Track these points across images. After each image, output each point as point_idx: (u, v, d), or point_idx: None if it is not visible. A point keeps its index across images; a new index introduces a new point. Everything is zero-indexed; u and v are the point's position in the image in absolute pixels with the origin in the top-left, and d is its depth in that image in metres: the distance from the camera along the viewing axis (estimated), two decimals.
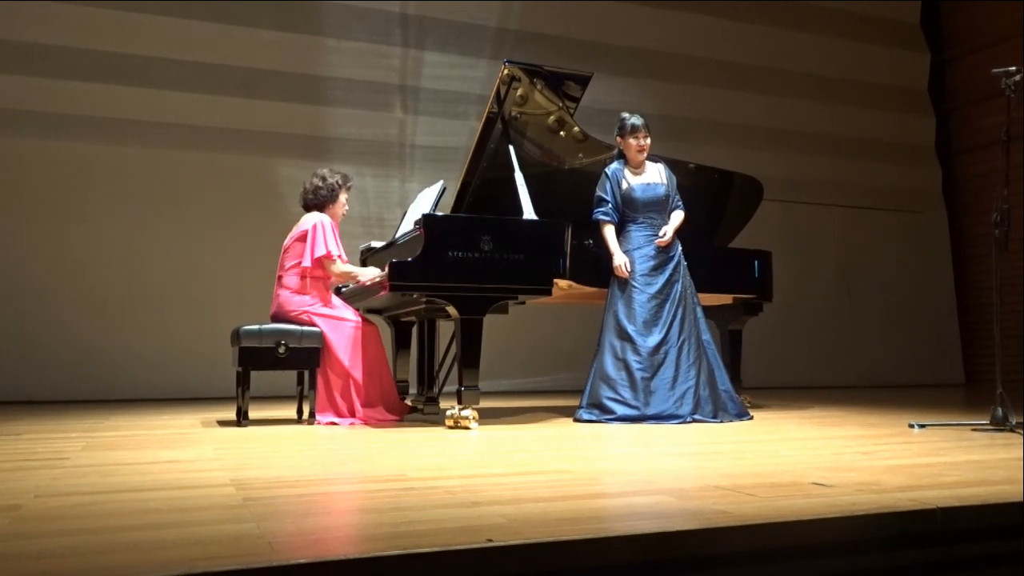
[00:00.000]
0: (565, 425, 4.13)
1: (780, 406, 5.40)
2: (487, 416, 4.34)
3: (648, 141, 4.48)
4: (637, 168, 4.51)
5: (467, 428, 3.86)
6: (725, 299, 5.10)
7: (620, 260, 4.35)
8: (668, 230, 4.40)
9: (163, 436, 3.60)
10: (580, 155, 4.78)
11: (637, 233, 4.42)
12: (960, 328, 9.64)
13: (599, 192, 4.47)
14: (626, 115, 4.54)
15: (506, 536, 1.43)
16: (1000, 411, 3.54)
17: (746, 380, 5.37)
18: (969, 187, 9.62)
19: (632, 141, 4.46)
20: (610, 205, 4.43)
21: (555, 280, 4.15)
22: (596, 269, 4.43)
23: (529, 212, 4.19)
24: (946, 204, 9.81)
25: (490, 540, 1.40)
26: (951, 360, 9.52)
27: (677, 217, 4.49)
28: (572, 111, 4.61)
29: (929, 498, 1.81)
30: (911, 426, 3.74)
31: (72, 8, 6.76)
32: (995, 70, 3.75)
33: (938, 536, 1.68)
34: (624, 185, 4.45)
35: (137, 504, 1.88)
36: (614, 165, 4.52)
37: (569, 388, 7.45)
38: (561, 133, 4.67)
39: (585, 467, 2.53)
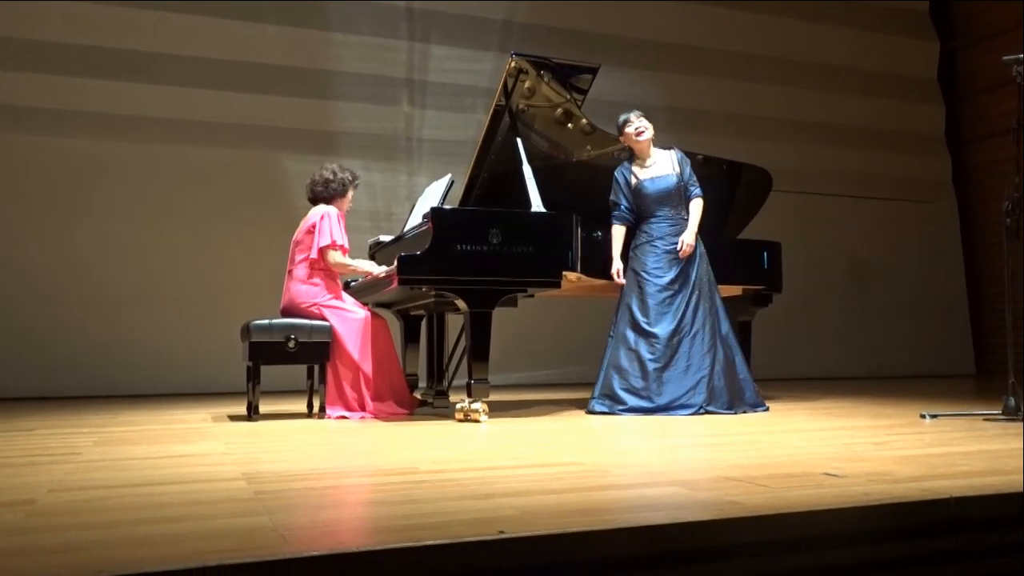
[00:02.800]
0: (575, 418, 4.13)
1: (790, 397, 5.39)
2: (497, 409, 4.34)
3: (642, 123, 4.45)
4: (645, 160, 4.50)
5: (477, 421, 3.86)
6: (734, 290, 5.09)
7: (615, 268, 4.38)
8: (687, 237, 4.34)
9: (174, 431, 3.62)
10: (588, 147, 4.77)
11: (654, 225, 4.42)
12: (971, 317, 9.59)
13: (612, 197, 4.50)
14: (621, 114, 4.55)
15: (518, 528, 1.43)
16: (1012, 400, 3.53)
17: (756, 371, 5.33)
18: (979, 176, 9.56)
19: (629, 131, 4.47)
20: (623, 207, 4.45)
21: (564, 272, 4.15)
22: (605, 261, 4.42)
23: (537, 205, 4.19)
24: (956, 193, 9.76)
25: (502, 532, 1.40)
26: (962, 350, 9.48)
27: (696, 209, 4.43)
28: (580, 103, 4.59)
29: (942, 488, 1.80)
30: (922, 416, 3.73)
31: (78, 4, 6.77)
32: (1006, 58, 3.73)
33: (952, 526, 1.67)
34: (633, 181, 4.45)
35: (150, 498, 1.89)
36: (621, 166, 4.53)
37: (579, 381, 7.44)
38: (569, 125, 4.65)
39: (596, 459, 2.53)
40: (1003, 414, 3.54)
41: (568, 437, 3.23)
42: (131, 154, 6.85)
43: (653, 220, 4.42)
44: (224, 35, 7.15)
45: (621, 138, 4.53)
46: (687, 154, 4.84)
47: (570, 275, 4.20)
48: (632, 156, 4.54)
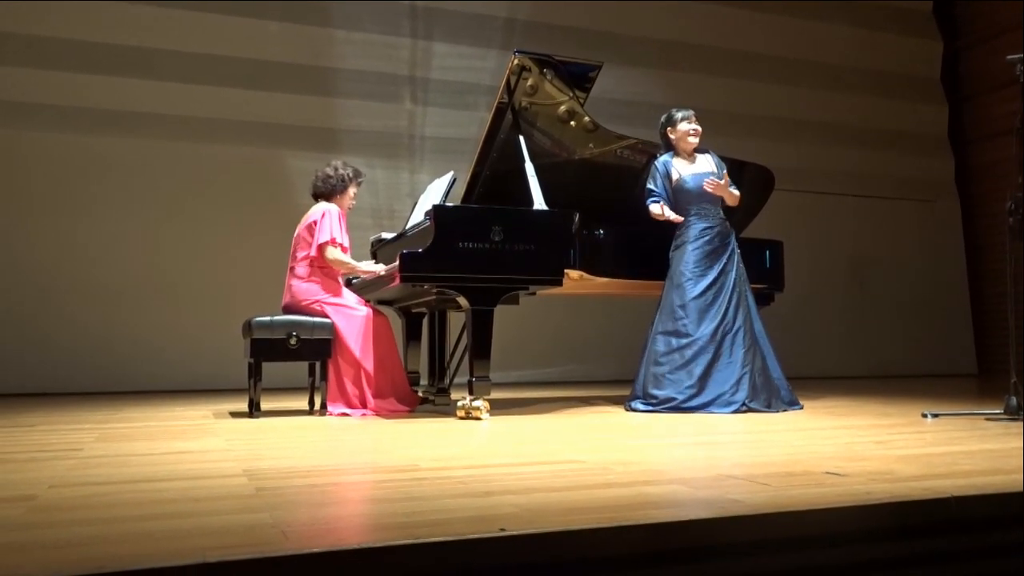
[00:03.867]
0: (576, 416, 4.13)
1: None
2: (498, 407, 4.34)
3: (698, 126, 4.51)
4: (688, 159, 4.52)
5: (478, 419, 3.86)
6: None
7: (668, 213, 4.37)
8: (728, 182, 4.38)
9: (175, 427, 3.62)
10: (590, 145, 4.77)
11: (694, 224, 4.43)
12: (973, 317, 9.59)
13: (648, 184, 4.50)
14: (672, 109, 4.59)
15: (519, 525, 1.43)
16: (1014, 400, 3.52)
17: None
18: (982, 176, 9.55)
19: (684, 127, 4.50)
20: (657, 193, 4.46)
21: (566, 271, 4.15)
22: (607, 259, 4.42)
23: (539, 202, 4.18)
24: (959, 193, 9.75)
25: (503, 529, 1.39)
26: (964, 350, 9.47)
27: (735, 191, 4.49)
28: (582, 101, 4.59)
29: (943, 487, 1.79)
30: (924, 416, 3.72)
31: (79, 1, 6.77)
32: (1009, 57, 3.72)
33: (953, 525, 1.67)
34: (675, 176, 4.47)
35: (151, 494, 1.89)
36: (663, 157, 4.55)
37: (580, 379, 7.46)
38: (571, 123, 4.65)
39: (597, 457, 2.52)
40: (1004, 413, 3.53)
41: (569, 435, 3.22)
42: (133, 150, 6.85)
43: (692, 217, 4.43)
44: (227, 32, 7.15)
45: (669, 129, 4.55)
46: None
47: (572, 273, 4.20)
48: (673, 152, 4.56)
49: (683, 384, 4.19)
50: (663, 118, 4.60)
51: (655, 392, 4.24)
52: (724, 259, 4.40)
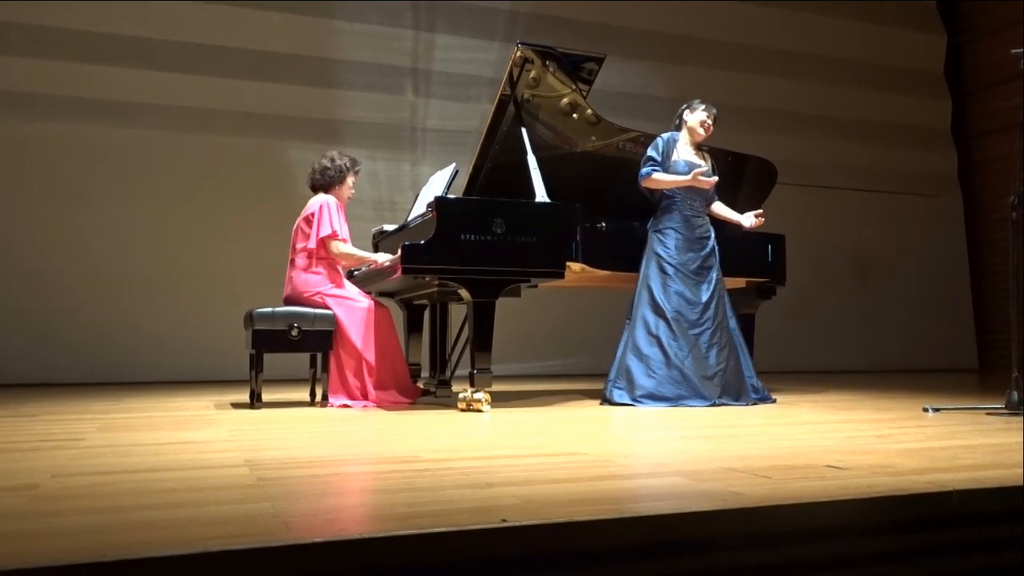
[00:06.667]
0: (578, 408, 4.13)
1: (794, 390, 5.38)
2: (499, 399, 4.34)
3: (712, 124, 4.49)
4: (692, 147, 4.51)
5: (480, 411, 3.86)
6: (738, 283, 5.08)
7: (693, 174, 4.32)
8: (750, 218, 4.56)
9: (177, 418, 3.62)
10: (593, 138, 4.76)
11: (676, 212, 4.42)
12: (974, 312, 9.58)
13: (649, 152, 4.47)
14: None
15: (520, 516, 1.43)
16: (1015, 395, 3.52)
17: (759, 364, 5.33)
18: (985, 171, 9.53)
19: (701, 116, 4.46)
20: (656, 163, 4.42)
21: (568, 263, 4.14)
22: (609, 252, 4.41)
23: (542, 195, 4.18)
24: (961, 188, 9.74)
25: (505, 520, 1.40)
26: (965, 345, 9.47)
27: (722, 207, 4.59)
28: (585, 93, 4.58)
29: (945, 481, 1.80)
30: (925, 410, 3.72)
31: None
32: (1013, 51, 3.71)
33: (954, 519, 1.67)
34: (674, 156, 4.44)
35: (152, 484, 1.89)
36: (672, 133, 4.53)
37: (581, 372, 7.46)
38: (574, 116, 4.64)
39: (598, 449, 2.52)
40: (1006, 408, 3.53)
41: (571, 427, 3.23)
42: (135, 141, 6.85)
43: (678, 206, 4.41)
44: (229, 22, 7.14)
45: (687, 112, 4.52)
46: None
47: (574, 265, 4.20)
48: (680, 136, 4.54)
49: (661, 373, 4.19)
50: (685, 105, 4.58)
51: (632, 378, 4.23)
52: (704, 254, 4.40)
